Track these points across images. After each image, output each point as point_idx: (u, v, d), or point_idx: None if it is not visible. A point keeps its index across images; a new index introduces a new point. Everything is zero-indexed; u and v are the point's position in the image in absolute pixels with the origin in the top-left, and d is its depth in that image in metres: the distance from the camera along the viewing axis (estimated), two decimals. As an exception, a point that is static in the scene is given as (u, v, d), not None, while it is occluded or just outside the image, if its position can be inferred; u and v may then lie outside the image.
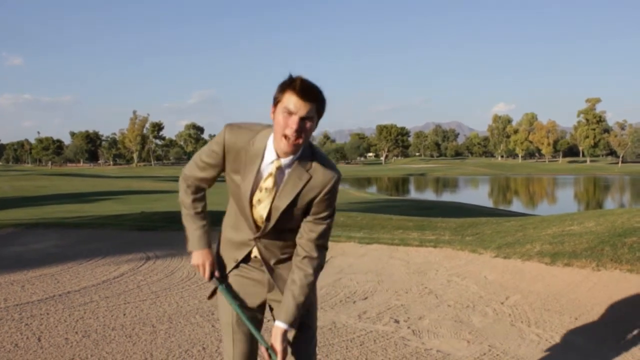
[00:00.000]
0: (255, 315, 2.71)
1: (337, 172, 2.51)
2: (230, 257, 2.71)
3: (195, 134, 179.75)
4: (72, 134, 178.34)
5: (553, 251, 7.25)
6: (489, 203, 42.79)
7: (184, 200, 2.76)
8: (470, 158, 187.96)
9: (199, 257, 2.69)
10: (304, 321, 2.65)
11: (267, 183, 2.46)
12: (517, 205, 42.19)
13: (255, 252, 2.64)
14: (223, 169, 2.58)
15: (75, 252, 9.28)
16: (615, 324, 5.28)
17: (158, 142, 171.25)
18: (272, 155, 2.44)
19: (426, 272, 7.60)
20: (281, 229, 2.57)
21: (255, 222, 2.56)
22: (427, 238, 9.77)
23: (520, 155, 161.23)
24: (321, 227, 2.54)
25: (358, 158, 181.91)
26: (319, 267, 2.59)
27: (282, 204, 2.47)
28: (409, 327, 5.36)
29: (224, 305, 2.73)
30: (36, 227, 11.93)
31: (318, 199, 2.48)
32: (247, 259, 2.68)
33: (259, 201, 2.50)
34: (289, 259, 2.64)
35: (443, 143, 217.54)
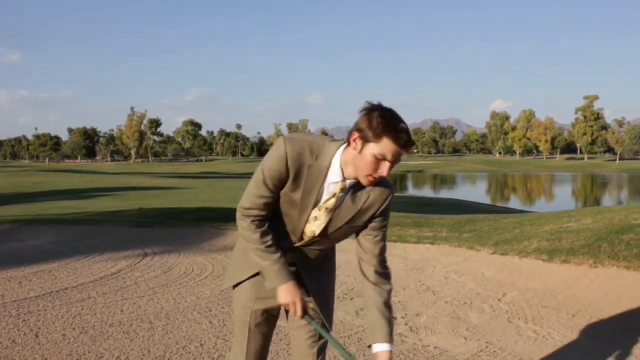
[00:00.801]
0: (272, 314, 2.66)
1: (392, 187, 2.48)
2: (253, 263, 2.57)
3: (193, 131, 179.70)
4: (70, 131, 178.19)
5: (550, 248, 7.26)
6: (486, 200, 42.82)
7: (250, 237, 2.45)
8: (468, 155, 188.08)
9: (287, 295, 2.45)
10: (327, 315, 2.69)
11: (329, 204, 2.38)
12: (514, 203, 42.24)
13: (289, 256, 2.53)
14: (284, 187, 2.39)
15: (73, 249, 9.27)
16: (613, 321, 5.29)
17: (156, 138, 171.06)
18: (337, 175, 2.33)
19: (424, 269, 7.61)
20: (330, 242, 2.55)
21: (303, 234, 2.48)
22: (424, 235, 9.78)
23: (518, 152, 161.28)
24: (382, 242, 2.56)
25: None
26: (390, 278, 2.61)
27: (340, 223, 2.44)
28: (406, 324, 5.37)
29: (241, 303, 2.65)
30: (33, 224, 11.91)
31: (377, 215, 2.46)
32: None
33: (316, 219, 2.43)
34: (320, 260, 2.64)
35: (441, 140, 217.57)
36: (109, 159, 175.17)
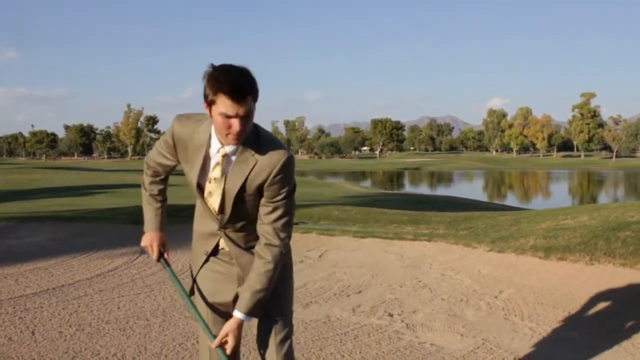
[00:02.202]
0: (229, 311, 2.59)
1: (286, 152, 2.40)
2: (200, 250, 2.67)
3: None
4: (66, 127, 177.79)
5: (547, 245, 7.27)
6: (483, 197, 42.86)
7: (144, 182, 2.85)
8: (464, 152, 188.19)
9: (147, 238, 2.85)
10: (267, 312, 2.56)
11: (215, 173, 2.42)
12: (511, 200, 42.34)
13: (222, 244, 2.59)
14: (178, 161, 2.59)
15: (69, 246, 9.26)
16: (609, 318, 5.30)
17: (152, 135, 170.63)
18: (217, 144, 2.39)
19: (420, 266, 7.61)
20: (241, 219, 2.50)
21: (213, 213, 2.52)
22: (421, 232, 9.78)
23: (514, 150, 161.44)
24: (278, 211, 2.43)
25: (353, 152, 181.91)
26: (279, 255, 2.45)
27: (231, 192, 2.41)
28: (402, 321, 5.37)
29: (200, 303, 2.68)
30: (30, 221, 11.88)
31: (268, 181, 2.37)
32: (215, 251, 2.63)
33: (210, 193, 2.47)
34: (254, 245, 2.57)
35: (438, 137, 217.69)
36: (106, 155, 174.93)
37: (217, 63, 2.27)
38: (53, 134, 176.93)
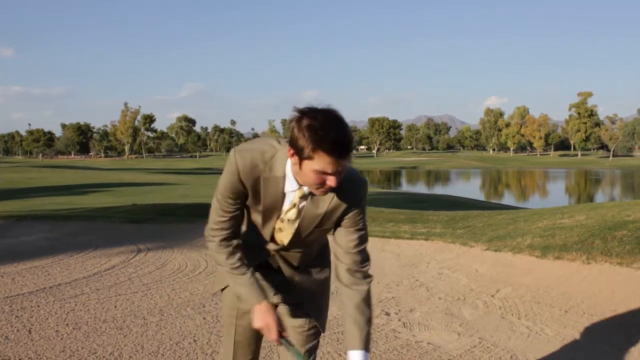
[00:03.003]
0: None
1: (363, 182, 2.29)
2: (252, 257, 2.46)
3: (187, 126, 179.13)
4: (63, 126, 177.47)
5: (544, 244, 7.28)
6: (480, 196, 42.90)
7: (218, 259, 2.37)
8: (462, 151, 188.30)
9: (258, 318, 2.32)
10: (307, 312, 2.53)
11: (290, 214, 2.26)
12: (508, 199, 42.39)
13: (272, 261, 2.47)
14: (245, 201, 2.30)
15: (66, 245, 9.25)
16: (605, 317, 5.31)
17: (150, 134, 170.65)
18: (293, 184, 2.20)
19: (417, 264, 7.62)
20: (304, 245, 2.40)
21: (276, 242, 2.38)
22: (418, 231, 9.79)
23: (511, 149, 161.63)
24: (356, 239, 2.30)
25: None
26: (368, 278, 2.33)
27: (307, 229, 2.29)
28: (399, 320, 5.38)
29: (227, 304, 2.59)
30: (26, 220, 11.87)
31: (349, 214, 2.26)
32: (264, 263, 2.48)
33: (280, 230, 2.32)
34: (309, 262, 2.49)
35: (435, 136, 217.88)
36: (103, 154, 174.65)
37: (303, 106, 2.04)
38: (50, 133, 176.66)
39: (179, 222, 11.33)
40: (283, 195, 2.23)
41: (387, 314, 5.57)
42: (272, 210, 2.26)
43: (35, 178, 45.17)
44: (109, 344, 4.72)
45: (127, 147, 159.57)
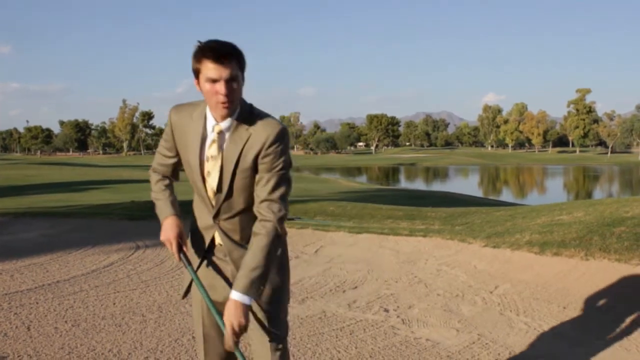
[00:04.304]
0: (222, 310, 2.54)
1: (280, 124, 2.42)
2: (198, 246, 2.64)
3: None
4: (62, 123, 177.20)
5: (542, 241, 7.29)
6: (478, 193, 42.98)
7: (153, 187, 2.74)
8: (460, 148, 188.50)
9: (164, 230, 2.60)
10: (261, 307, 2.53)
11: (212, 150, 2.43)
12: (506, 195, 42.42)
13: (217, 238, 2.56)
14: (178, 153, 2.61)
15: (65, 242, 9.24)
16: (603, 313, 5.32)
17: (148, 131, 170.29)
18: (212, 122, 2.43)
19: (416, 261, 7.62)
20: (236, 205, 2.47)
21: (210, 199, 2.50)
22: (416, 227, 9.80)
23: (510, 145, 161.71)
24: (271, 183, 2.38)
25: (348, 147, 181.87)
26: (274, 231, 2.38)
27: (228, 167, 2.41)
28: (398, 316, 5.38)
29: (196, 301, 2.67)
30: (25, 216, 11.87)
31: (262, 152, 2.37)
32: (212, 247, 2.59)
33: (209, 173, 2.45)
34: (249, 235, 2.49)
35: (433, 133, 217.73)
36: (101, 151, 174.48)
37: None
38: (48, 130, 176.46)
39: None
40: (203, 138, 2.45)
41: (386, 310, 5.57)
42: (195, 154, 2.46)
43: (33, 175, 45.16)
44: (107, 340, 4.72)
45: (125, 144, 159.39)
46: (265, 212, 2.38)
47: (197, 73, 2.33)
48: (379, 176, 71.65)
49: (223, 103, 2.31)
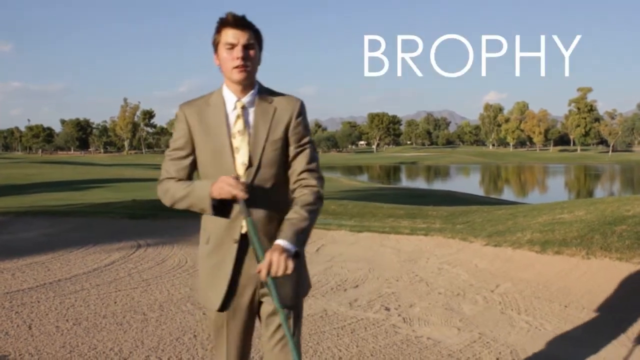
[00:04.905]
0: (245, 317, 2.55)
1: (297, 98, 2.53)
2: (226, 238, 2.50)
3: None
4: (63, 122, 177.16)
5: (543, 239, 7.29)
6: (480, 191, 42.93)
7: (175, 188, 2.51)
8: (461, 147, 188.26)
9: (219, 186, 2.33)
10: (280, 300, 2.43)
11: (238, 126, 2.44)
12: (508, 194, 42.39)
13: (244, 228, 2.43)
14: (194, 149, 2.50)
15: (66, 240, 9.25)
16: (604, 312, 5.31)
17: (149, 130, 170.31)
18: (232, 99, 2.46)
19: (417, 260, 7.62)
20: (267, 178, 2.43)
21: (239, 177, 2.40)
22: (418, 226, 9.80)
23: (511, 144, 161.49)
24: (307, 154, 2.50)
25: (350, 146, 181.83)
26: (318, 195, 2.47)
27: (258, 140, 2.43)
28: (399, 315, 5.38)
29: (209, 314, 2.60)
30: (26, 215, 11.88)
31: (292, 124, 2.47)
32: (241, 244, 2.46)
33: (237, 149, 2.43)
34: (277, 227, 2.43)
35: (434, 131, 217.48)
36: (102, 150, 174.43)
37: None
38: (49, 129, 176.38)
39: (178, 218, 11.32)
40: (226, 116, 2.46)
41: (387, 309, 5.57)
42: (221, 133, 2.45)
43: (34, 174, 45.16)
44: (109, 339, 4.72)
45: (126, 143, 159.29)
46: (308, 179, 2.48)
47: (216, 46, 2.42)
48: (380, 175, 71.65)
49: (238, 67, 2.37)
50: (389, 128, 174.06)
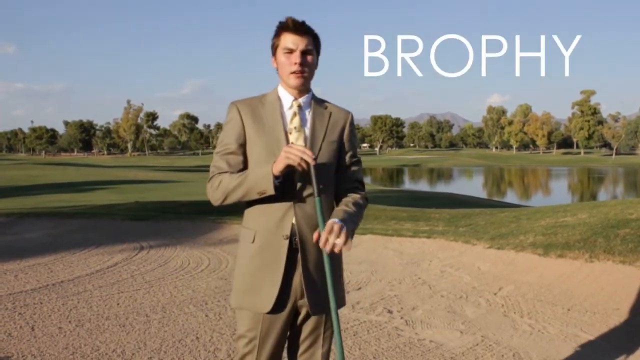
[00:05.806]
0: (282, 329, 2.50)
1: (348, 111, 2.64)
2: (276, 235, 2.43)
3: (190, 124, 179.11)
4: (66, 123, 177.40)
5: (546, 242, 7.28)
6: (483, 194, 42.87)
7: (228, 180, 2.41)
8: (464, 149, 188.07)
9: (285, 155, 2.27)
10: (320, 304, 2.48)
11: (295, 122, 2.48)
12: (511, 197, 42.28)
13: (294, 221, 2.40)
14: (245, 145, 2.46)
15: (69, 242, 9.27)
16: (607, 315, 5.30)
17: (152, 131, 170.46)
18: (289, 98, 2.51)
19: (420, 262, 7.62)
20: (320, 177, 2.37)
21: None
22: (420, 229, 9.79)
23: (514, 147, 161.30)
24: (360, 166, 2.66)
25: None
26: (364, 197, 2.63)
27: (316, 139, 2.48)
28: (402, 318, 5.38)
29: (249, 327, 2.48)
30: (29, 217, 11.90)
31: (346, 132, 2.58)
32: (290, 240, 2.41)
33: (293, 145, 2.35)
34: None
35: (437, 134, 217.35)
36: (105, 152, 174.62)
37: None
38: (53, 130, 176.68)
39: (181, 219, 11.34)
40: (282, 114, 2.50)
41: (390, 311, 5.57)
42: (277, 128, 2.47)
43: (37, 175, 45.22)
44: (111, 341, 4.73)
45: (129, 145, 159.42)
46: (360, 189, 2.64)
47: (274, 49, 2.48)
48: (383, 177, 71.54)
49: (296, 72, 2.42)
50: (392, 130, 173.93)
